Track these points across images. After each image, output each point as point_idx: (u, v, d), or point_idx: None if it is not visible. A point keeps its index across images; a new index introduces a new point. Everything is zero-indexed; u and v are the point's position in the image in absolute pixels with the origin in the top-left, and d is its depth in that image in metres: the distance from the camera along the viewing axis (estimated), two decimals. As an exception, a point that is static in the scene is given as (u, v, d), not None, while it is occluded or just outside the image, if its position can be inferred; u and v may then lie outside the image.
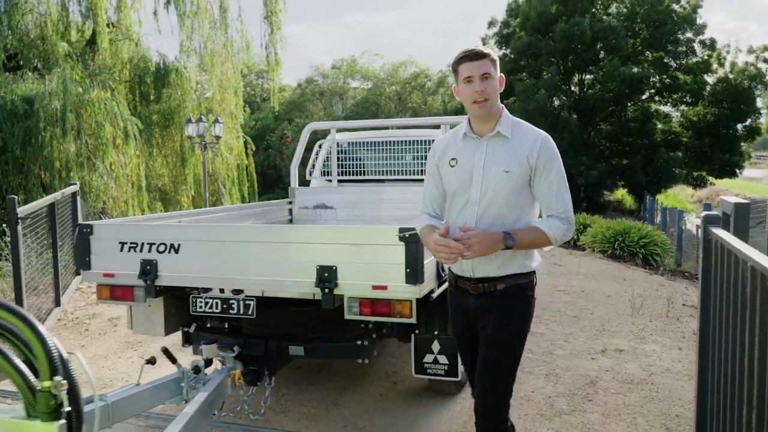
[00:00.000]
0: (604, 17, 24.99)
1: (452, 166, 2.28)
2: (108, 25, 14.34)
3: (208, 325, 3.73)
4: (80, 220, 7.24)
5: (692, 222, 14.71)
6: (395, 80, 32.64)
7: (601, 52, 24.67)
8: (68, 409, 1.66)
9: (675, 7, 24.50)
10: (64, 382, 1.68)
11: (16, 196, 4.63)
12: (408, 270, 2.80)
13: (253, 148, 17.67)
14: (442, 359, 3.63)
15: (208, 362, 2.94)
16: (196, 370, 2.84)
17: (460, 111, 29.05)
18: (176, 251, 3.15)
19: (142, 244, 3.21)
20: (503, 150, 2.20)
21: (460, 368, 3.72)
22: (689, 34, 24.63)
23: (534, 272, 2.31)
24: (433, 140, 5.79)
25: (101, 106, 10.44)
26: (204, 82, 16.51)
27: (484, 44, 27.79)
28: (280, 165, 28.19)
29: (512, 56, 26.03)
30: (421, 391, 4.14)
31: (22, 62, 13.42)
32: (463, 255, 2.09)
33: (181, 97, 14.18)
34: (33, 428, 1.60)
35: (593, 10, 24.81)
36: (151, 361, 2.75)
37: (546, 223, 2.19)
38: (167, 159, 14.19)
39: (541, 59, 24.55)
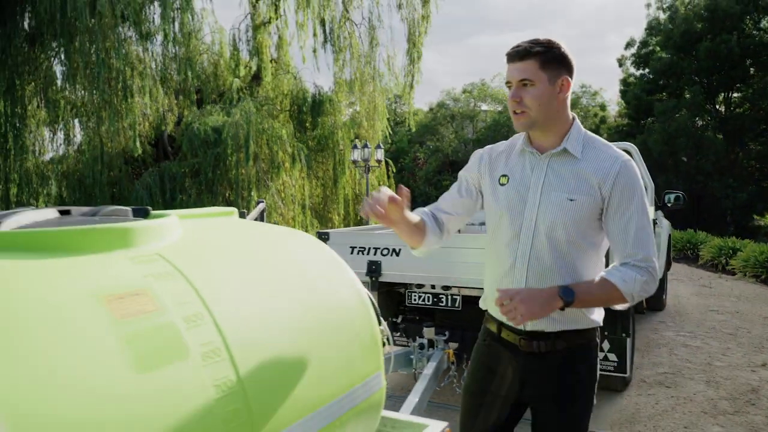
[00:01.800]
0: (755, 32, 23.77)
1: (502, 185, 1.83)
2: (270, 61, 16.14)
3: (409, 317, 4.53)
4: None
5: None
6: (526, 102, 32.81)
7: (752, 68, 23.45)
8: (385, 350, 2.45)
9: (838, 18, 22.80)
10: (386, 330, 2.48)
11: (245, 210, 5.77)
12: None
13: (394, 170, 18.81)
14: (612, 357, 4.15)
15: (430, 342, 3.71)
16: (422, 347, 3.62)
17: (594, 132, 28.57)
18: (397, 254, 3.98)
19: (369, 248, 4.08)
20: (569, 172, 1.73)
21: (629, 365, 4.23)
22: None
23: (598, 328, 1.85)
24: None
25: (273, 134, 11.91)
26: (349, 108, 17.97)
27: (620, 65, 27.36)
28: (413, 186, 29.34)
29: (651, 76, 25.43)
30: (588, 387, 4.66)
31: (201, 97, 15.49)
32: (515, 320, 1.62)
33: (333, 124, 15.58)
34: (366, 360, 2.40)
35: (742, 26, 23.69)
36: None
37: (619, 274, 1.66)
38: (320, 180, 15.60)
39: (683, 79, 23.79)
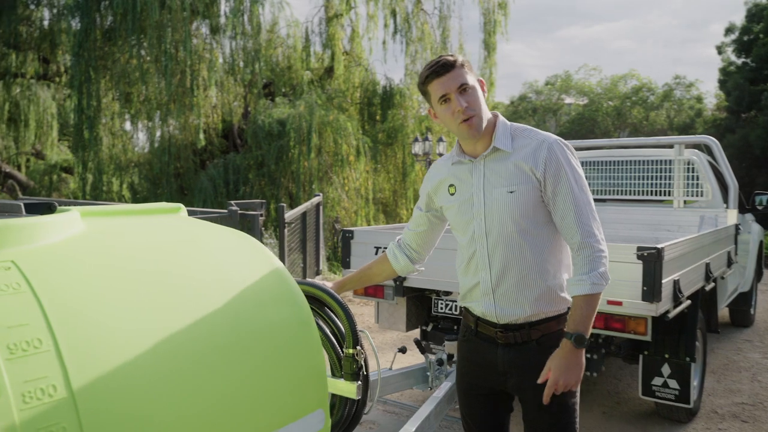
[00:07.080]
0: None
1: (452, 194, 1.96)
2: (343, 54, 15.98)
3: (440, 326, 4.12)
4: (320, 228, 8.25)
5: None
6: (614, 95, 31.14)
7: None
8: (364, 373, 2.09)
9: None
10: (363, 351, 2.12)
11: (284, 204, 5.58)
12: (645, 288, 2.88)
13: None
14: (673, 383, 3.57)
15: (450, 357, 3.30)
16: (440, 362, 3.21)
17: (688, 126, 26.72)
18: (423, 257, 3.58)
19: (394, 249, 3.70)
20: (504, 167, 1.84)
21: (693, 395, 3.64)
22: None
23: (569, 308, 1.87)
24: (664, 161, 5.61)
25: (338, 126, 11.74)
26: (424, 102, 17.57)
27: (720, 53, 25.35)
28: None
29: (753, 65, 23.36)
30: (647, 414, 4.08)
31: (274, 89, 15.57)
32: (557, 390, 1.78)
33: (404, 117, 15.23)
34: (338, 384, 2.05)
35: None
36: (403, 350, 3.17)
37: (583, 283, 1.76)
38: (390, 174, 15.31)
39: (791, 68, 21.68)
